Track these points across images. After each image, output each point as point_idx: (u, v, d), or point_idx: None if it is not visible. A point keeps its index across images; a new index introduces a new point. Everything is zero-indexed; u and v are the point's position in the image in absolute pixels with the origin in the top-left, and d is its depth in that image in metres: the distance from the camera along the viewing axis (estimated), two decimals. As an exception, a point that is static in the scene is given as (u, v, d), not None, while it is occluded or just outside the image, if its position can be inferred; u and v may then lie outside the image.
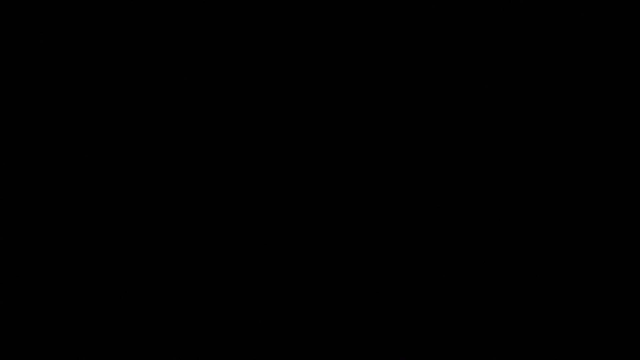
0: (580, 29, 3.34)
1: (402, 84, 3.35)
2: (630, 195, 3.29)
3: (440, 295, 3.29)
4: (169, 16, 3.37)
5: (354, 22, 3.36)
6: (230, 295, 3.31)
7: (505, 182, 3.32)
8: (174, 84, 3.36)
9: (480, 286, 3.29)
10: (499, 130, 3.33)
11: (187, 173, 3.34)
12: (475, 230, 3.31)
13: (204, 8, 3.37)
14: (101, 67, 3.36)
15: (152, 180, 3.34)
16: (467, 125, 3.34)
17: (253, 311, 3.30)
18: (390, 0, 3.36)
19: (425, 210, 3.32)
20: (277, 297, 3.31)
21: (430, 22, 3.35)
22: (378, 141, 3.34)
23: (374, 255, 3.31)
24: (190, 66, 3.36)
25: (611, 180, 3.31)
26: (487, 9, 3.34)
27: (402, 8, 3.35)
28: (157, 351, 3.28)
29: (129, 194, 3.33)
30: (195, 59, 3.37)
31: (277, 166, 3.35)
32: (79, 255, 3.31)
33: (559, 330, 3.26)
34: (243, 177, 3.34)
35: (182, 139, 3.35)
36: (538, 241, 3.30)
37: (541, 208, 3.30)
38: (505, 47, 3.34)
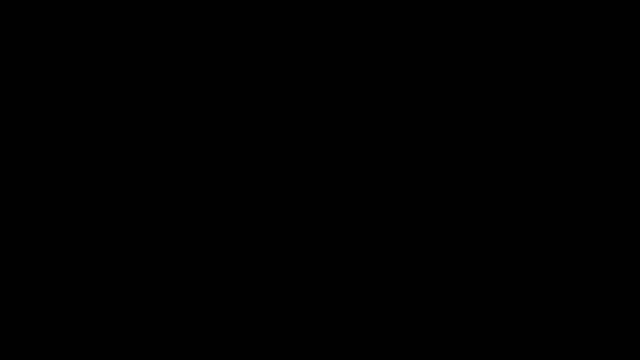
0: (580, 29, 3.34)
1: (402, 84, 3.36)
2: (630, 195, 3.30)
3: (440, 295, 3.29)
4: (169, 16, 3.37)
5: (354, 22, 3.37)
6: (231, 295, 3.31)
7: (505, 182, 3.32)
8: (174, 84, 3.36)
9: (480, 286, 3.29)
10: (499, 131, 3.34)
11: (187, 173, 3.34)
12: (475, 230, 3.31)
13: (204, 8, 3.37)
14: (101, 67, 3.36)
15: (152, 180, 3.34)
16: (467, 125, 3.34)
17: (253, 311, 3.30)
18: (390, 0, 3.36)
19: (425, 211, 3.32)
20: (277, 297, 3.31)
21: (430, 22, 3.36)
22: (378, 141, 3.35)
23: (374, 255, 3.32)
24: (190, 66, 3.37)
25: (611, 180, 3.31)
26: (487, 9, 3.35)
27: (402, 8, 3.36)
28: (157, 351, 3.29)
29: (128, 194, 3.33)
30: (195, 59, 3.37)
31: (277, 166, 3.35)
32: (79, 255, 3.31)
33: (559, 330, 3.26)
34: (243, 177, 3.35)
35: (182, 139, 3.36)
36: (538, 241, 3.30)
37: (541, 208, 3.31)
38: (505, 47, 3.35)
